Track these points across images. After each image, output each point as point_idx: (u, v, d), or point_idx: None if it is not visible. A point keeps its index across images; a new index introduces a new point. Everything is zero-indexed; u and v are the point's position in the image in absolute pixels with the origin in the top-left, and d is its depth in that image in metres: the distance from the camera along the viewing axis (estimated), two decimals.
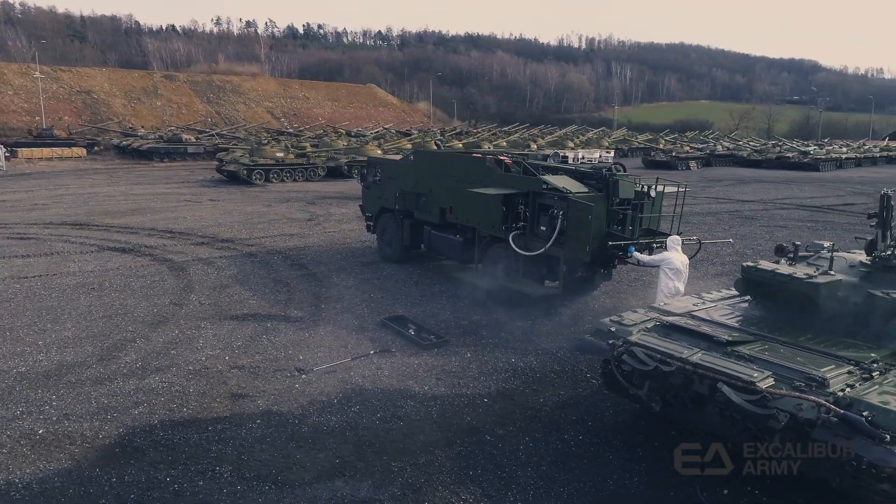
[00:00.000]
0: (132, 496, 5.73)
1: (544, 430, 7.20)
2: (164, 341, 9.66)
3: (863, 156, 59.72)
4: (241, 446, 6.64)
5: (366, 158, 37.23)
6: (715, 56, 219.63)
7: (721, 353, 5.95)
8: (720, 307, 7.46)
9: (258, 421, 7.21)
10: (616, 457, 6.65)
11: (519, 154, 13.76)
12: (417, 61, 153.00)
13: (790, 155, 53.23)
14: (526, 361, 9.17)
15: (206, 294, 12.25)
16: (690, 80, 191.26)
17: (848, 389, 5.30)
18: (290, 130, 59.51)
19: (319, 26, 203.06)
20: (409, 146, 42.87)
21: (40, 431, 6.81)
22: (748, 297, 7.58)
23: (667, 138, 69.91)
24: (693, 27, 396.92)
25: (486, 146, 45.33)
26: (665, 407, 6.43)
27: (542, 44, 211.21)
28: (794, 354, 5.90)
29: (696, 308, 7.38)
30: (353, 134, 57.17)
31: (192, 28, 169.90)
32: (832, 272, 6.65)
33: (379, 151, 38.81)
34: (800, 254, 7.40)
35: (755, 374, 5.43)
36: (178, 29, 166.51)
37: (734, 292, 7.99)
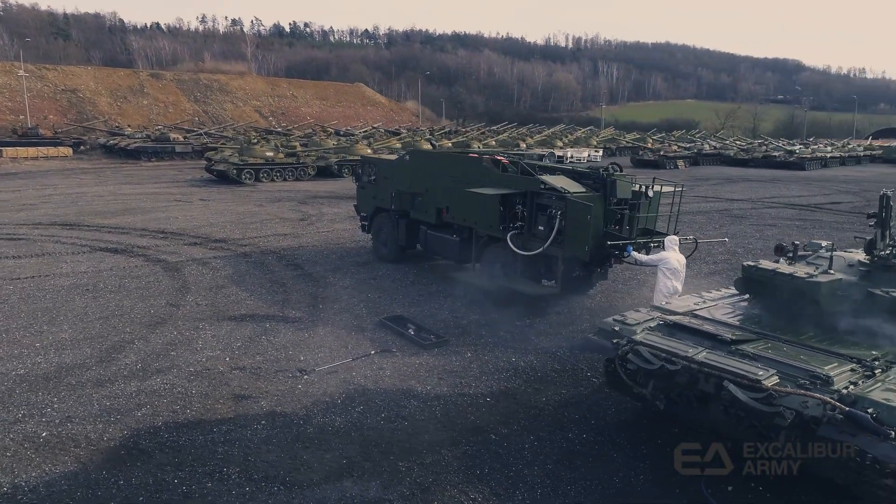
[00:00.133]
0: (141, 499, 5.72)
1: (548, 428, 7.25)
2: (162, 342, 9.62)
3: (847, 155, 60.41)
4: (248, 447, 6.64)
5: (356, 158, 37.42)
6: (700, 55, 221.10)
7: (726, 352, 6.02)
8: (721, 306, 7.55)
9: (263, 422, 7.20)
10: (621, 455, 6.71)
11: (515, 154, 13.79)
12: (405, 60, 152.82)
13: (776, 154, 53.78)
14: (526, 360, 9.22)
15: (202, 295, 12.20)
16: (676, 80, 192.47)
17: (852, 387, 5.38)
18: (279, 130, 59.29)
19: (306, 24, 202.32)
20: (398, 145, 42.85)
21: (44, 434, 6.77)
22: (747, 296, 7.67)
23: (654, 137, 70.36)
24: (678, 27, 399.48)
25: (476, 145, 45.36)
26: (669, 405, 6.51)
27: (529, 43, 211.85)
28: (797, 353, 5.99)
29: (697, 307, 7.46)
30: (341, 133, 57.09)
31: (178, 26, 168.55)
32: (832, 271, 6.75)
33: (369, 151, 38.75)
34: (798, 253, 7.50)
35: (760, 373, 5.51)
36: (163, 27, 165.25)
37: (733, 291, 8.08)
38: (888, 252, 6.65)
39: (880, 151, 65.78)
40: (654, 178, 11.16)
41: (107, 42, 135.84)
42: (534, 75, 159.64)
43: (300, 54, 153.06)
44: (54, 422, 7.05)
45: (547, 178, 11.00)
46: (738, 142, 67.52)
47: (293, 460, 6.43)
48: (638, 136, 71.03)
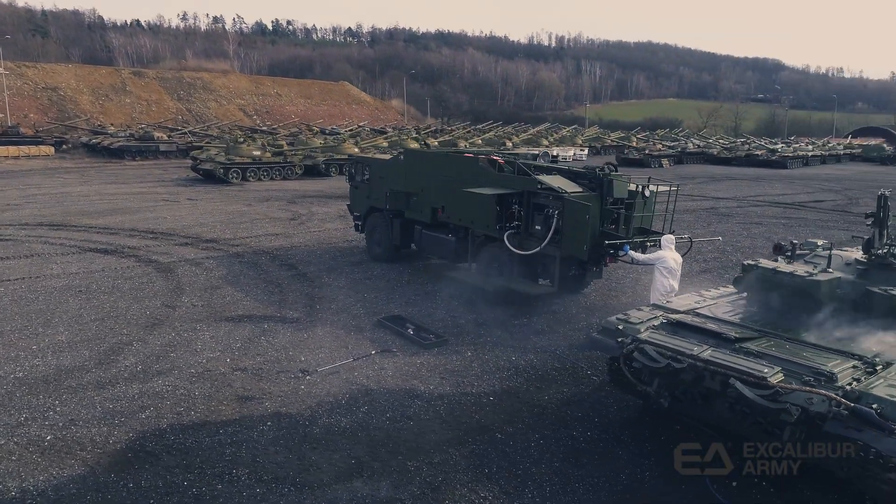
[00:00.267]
0: (151, 502, 5.71)
1: (553, 427, 7.32)
2: (161, 344, 9.56)
3: (828, 153, 61.31)
4: (255, 449, 6.64)
5: (344, 157, 37.38)
6: (682, 55, 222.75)
7: (730, 350, 6.12)
8: (721, 304, 7.66)
9: (268, 423, 7.20)
10: (625, 452, 6.80)
11: (510, 154, 13.86)
12: (388, 58, 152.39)
13: (759, 153, 54.44)
14: (526, 359, 9.29)
15: (197, 295, 12.14)
16: (658, 79, 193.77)
17: (855, 383, 5.51)
18: (264, 128, 58.99)
19: (289, 22, 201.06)
20: (385, 144, 42.80)
21: (48, 438, 6.72)
22: (745, 295, 7.79)
23: (638, 136, 70.82)
24: (660, 26, 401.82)
25: (463, 144, 45.42)
26: (673, 403, 6.60)
27: (513, 42, 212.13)
28: (799, 350, 6.11)
29: (698, 305, 7.57)
30: (327, 132, 56.88)
31: (158, 23, 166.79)
32: (830, 269, 6.89)
33: (356, 150, 38.64)
34: (796, 252, 7.63)
35: (766, 370, 5.61)
36: (144, 24, 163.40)
37: (731, 289, 8.21)
38: (886, 251, 6.79)
39: (860, 150, 66.85)
40: (650, 178, 11.28)
41: (86, 39, 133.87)
42: (517, 74, 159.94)
43: (283, 52, 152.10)
44: (58, 425, 7.00)
45: (544, 177, 11.08)
46: (720, 140, 68.23)
47: (302, 461, 6.44)
48: (622, 134, 71.49)
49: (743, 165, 51.52)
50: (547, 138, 59.65)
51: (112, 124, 56.73)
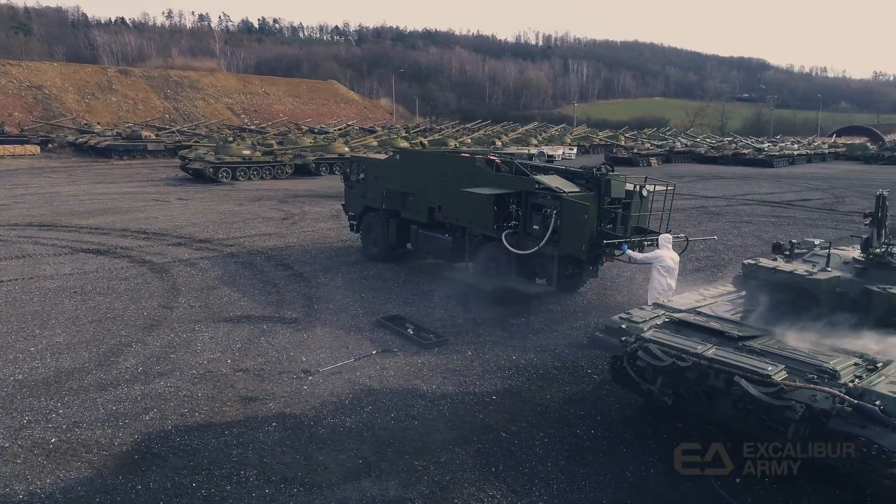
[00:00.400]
0: (161, 503, 5.70)
1: (556, 425, 7.39)
2: (160, 345, 9.53)
3: (813, 152, 61.94)
4: (262, 450, 6.65)
5: (334, 156, 37.33)
6: (668, 54, 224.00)
7: (734, 348, 6.21)
8: (721, 303, 7.75)
9: (274, 424, 7.21)
10: (629, 450, 6.87)
11: (507, 154, 13.91)
12: (376, 57, 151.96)
13: (746, 151, 54.90)
14: (527, 358, 9.35)
15: (194, 296, 12.09)
16: (645, 78, 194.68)
17: (857, 380, 5.61)
18: (252, 127, 58.66)
19: (275, 20, 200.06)
20: (375, 143, 42.77)
21: (53, 440, 6.69)
22: (744, 293, 7.89)
23: (627, 135, 71.19)
24: (646, 26, 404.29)
25: (453, 144, 45.47)
26: (677, 401, 6.68)
27: (500, 40, 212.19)
28: (801, 347, 6.20)
29: (699, 304, 7.65)
30: (316, 131, 56.72)
31: (143, 21, 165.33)
32: (829, 268, 6.99)
33: (347, 149, 38.60)
34: (795, 251, 7.74)
35: (770, 368, 5.70)
36: (128, 22, 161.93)
37: (730, 288, 8.31)
38: (884, 250, 6.90)
39: (844, 149, 67.55)
40: (647, 178, 11.38)
41: (70, 37, 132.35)
42: (505, 73, 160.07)
43: (270, 51, 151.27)
44: (61, 427, 6.97)
45: (541, 177, 11.14)
46: (708, 139, 68.75)
47: (309, 462, 6.46)
48: (611, 133, 71.78)
49: (730, 164, 51.90)
50: (536, 137, 59.71)
51: (99, 123, 56.18)
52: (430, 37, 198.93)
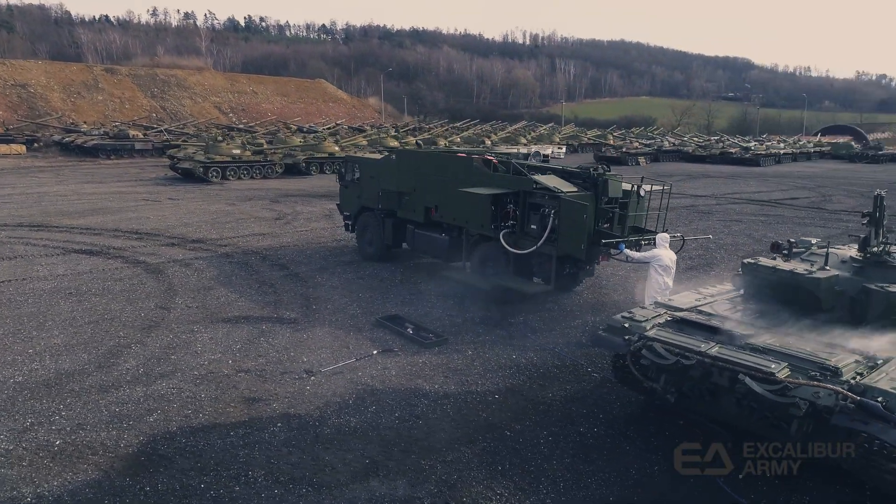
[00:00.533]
0: None
1: (560, 423, 7.45)
2: (160, 346, 9.50)
3: (799, 151, 62.54)
4: (268, 450, 6.66)
5: (324, 155, 37.25)
6: (654, 53, 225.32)
7: (737, 346, 6.30)
8: (721, 302, 7.84)
9: (279, 424, 7.22)
10: (633, 447, 6.95)
11: (503, 154, 13.96)
12: (363, 56, 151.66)
13: (733, 151, 55.34)
14: (527, 357, 9.41)
15: (191, 297, 12.05)
16: (631, 77, 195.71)
17: (858, 377, 5.71)
18: (241, 126, 58.33)
19: (262, 19, 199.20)
20: (364, 143, 42.74)
21: (57, 443, 6.66)
22: (743, 292, 7.99)
23: (615, 134, 71.53)
24: (632, 25, 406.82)
25: (443, 143, 45.53)
26: (680, 399, 6.77)
27: (487, 39, 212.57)
28: (803, 345, 6.30)
29: (699, 303, 7.74)
30: (305, 130, 56.54)
31: (128, 19, 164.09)
32: (828, 267, 7.10)
33: (337, 148, 38.57)
34: (793, 250, 7.86)
35: (773, 366, 5.79)
36: (113, 20, 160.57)
37: (728, 287, 8.42)
38: (881, 249, 7.02)
39: (829, 148, 68.26)
40: (643, 178, 11.48)
41: (53, 34, 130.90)
42: (493, 72, 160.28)
43: (257, 49, 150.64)
44: (65, 429, 6.94)
45: (539, 177, 11.20)
46: (695, 139, 69.23)
47: (316, 462, 6.48)
48: (599, 132, 72.11)
49: (717, 163, 52.29)
50: (525, 136, 59.88)
51: (85, 122, 55.65)
52: (418, 35, 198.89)
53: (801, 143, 70.98)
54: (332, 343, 9.81)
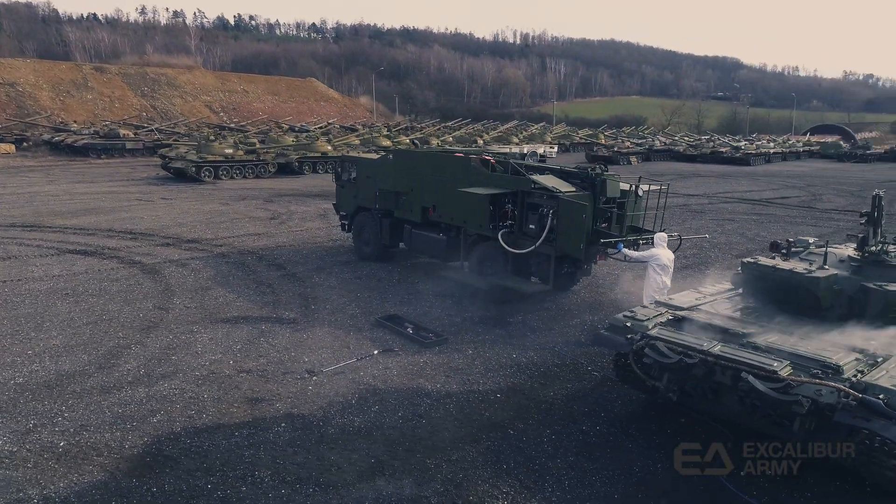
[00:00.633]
0: None
1: (562, 422, 7.51)
2: (160, 347, 9.48)
3: (788, 150, 62.99)
4: (274, 450, 6.67)
5: (317, 154, 37.18)
6: (644, 53, 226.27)
7: (739, 345, 6.38)
8: (721, 301, 7.92)
9: (283, 424, 7.23)
10: (635, 445, 7.01)
11: (500, 154, 14.01)
12: (354, 55, 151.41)
13: (723, 150, 55.65)
14: (527, 357, 9.46)
15: (188, 297, 12.02)
16: (622, 76, 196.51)
17: (859, 375, 5.80)
18: (232, 125, 58.11)
19: (251, 17, 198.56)
20: (357, 142, 42.69)
21: (61, 444, 6.64)
22: (742, 291, 8.08)
23: (606, 133, 71.78)
24: (622, 25, 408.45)
25: (435, 142, 45.56)
26: (682, 397, 6.84)
27: (478, 39, 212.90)
28: (804, 343, 6.38)
29: (699, 302, 7.82)
30: (296, 129, 56.37)
31: (116, 17, 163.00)
32: (827, 266, 7.20)
33: (329, 147, 38.51)
34: (792, 249, 7.95)
35: (775, 364, 5.87)
36: (101, 18, 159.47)
37: (727, 286, 8.50)
38: (879, 248, 7.12)
39: (817, 147, 68.84)
40: (641, 178, 11.56)
41: (41, 33, 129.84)
42: (483, 71, 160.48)
43: (247, 48, 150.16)
44: (69, 431, 6.93)
45: (538, 177, 11.26)
46: (686, 138, 69.59)
47: (321, 462, 6.49)
48: (590, 132, 72.35)
49: (708, 162, 52.57)
50: (516, 136, 59.96)
51: (75, 121, 55.24)
52: (408, 35, 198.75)
53: (790, 142, 71.53)
54: (333, 343, 9.82)
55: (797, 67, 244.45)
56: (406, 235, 14.01)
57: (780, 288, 7.22)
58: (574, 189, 11.04)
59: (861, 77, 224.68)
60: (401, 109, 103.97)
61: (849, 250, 7.71)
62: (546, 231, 10.81)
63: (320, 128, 54.50)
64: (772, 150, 59.25)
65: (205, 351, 9.36)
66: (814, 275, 6.94)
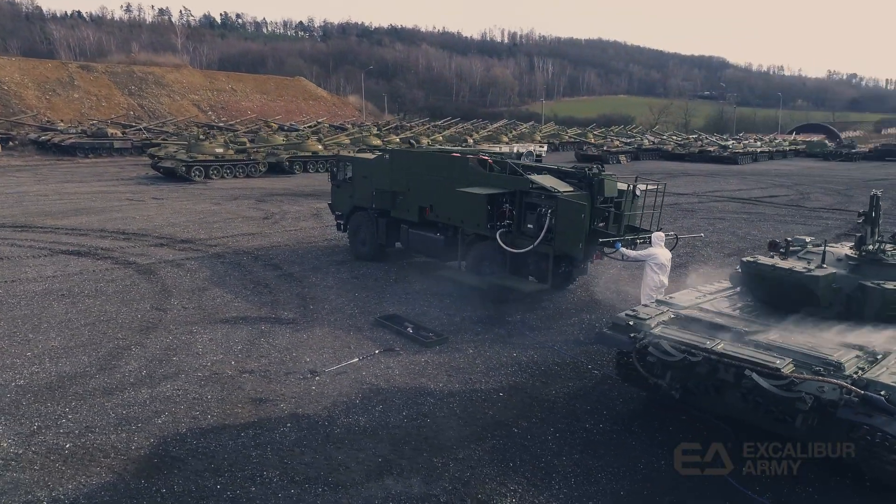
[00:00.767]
0: None
1: (565, 420, 7.57)
2: (160, 348, 9.46)
3: (775, 149, 63.58)
4: (280, 450, 6.69)
5: (308, 154, 37.10)
6: (631, 52, 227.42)
7: (741, 342, 6.47)
8: (721, 299, 8.02)
9: (288, 424, 7.25)
10: (639, 442, 7.09)
11: (498, 154, 14.07)
12: (342, 53, 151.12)
13: (711, 149, 56.09)
14: (527, 355, 9.53)
15: (186, 298, 11.99)
16: (609, 75, 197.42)
17: (860, 372, 5.91)
18: (221, 124, 57.78)
19: (238, 15, 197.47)
20: (347, 141, 42.61)
21: (67, 446, 6.63)
22: (740, 289, 8.19)
23: (595, 133, 72.08)
24: (609, 24, 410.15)
25: (425, 142, 45.54)
26: (684, 395, 6.93)
27: (466, 37, 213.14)
28: (805, 341, 6.49)
29: (699, 301, 7.91)
30: (286, 128, 56.17)
31: (101, 15, 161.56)
32: (825, 265, 7.31)
33: (320, 147, 38.43)
34: (790, 249, 8.06)
35: (778, 361, 5.96)
36: (86, 15, 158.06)
37: (726, 285, 8.60)
38: (876, 247, 7.25)
39: (804, 146, 69.56)
40: (637, 177, 11.66)
41: (24, 31, 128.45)
42: (472, 70, 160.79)
43: (234, 46, 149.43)
44: (74, 433, 6.91)
45: (535, 177, 11.33)
46: (674, 137, 70.03)
47: (329, 461, 6.52)
48: (579, 131, 72.65)
49: (696, 161, 52.96)
50: (506, 135, 60.12)
51: (62, 120, 54.75)
52: (396, 33, 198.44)
53: (777, 141, 72.17)
54: (334, 343, 9.84)
55: (782, 67, 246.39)
56: (403, 235, 14.03)
57: (779, 286, 7.32)
58: (572, 189, 11.12)
59: (845, 77, 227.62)
60: (390, 108, 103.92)
61: (845, 249, 7.83)
62: (544, 231, 10.88)
63: (310, 127, 54.31)
64: (759, 150, 59.77)
65: (206, 352, 9.35)
66: (813, 273, 7.05)
